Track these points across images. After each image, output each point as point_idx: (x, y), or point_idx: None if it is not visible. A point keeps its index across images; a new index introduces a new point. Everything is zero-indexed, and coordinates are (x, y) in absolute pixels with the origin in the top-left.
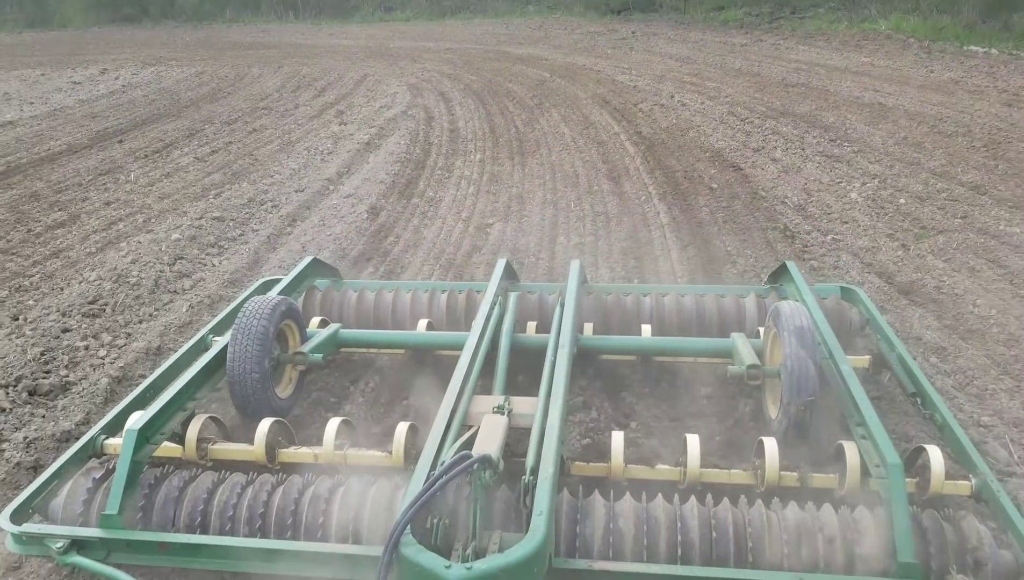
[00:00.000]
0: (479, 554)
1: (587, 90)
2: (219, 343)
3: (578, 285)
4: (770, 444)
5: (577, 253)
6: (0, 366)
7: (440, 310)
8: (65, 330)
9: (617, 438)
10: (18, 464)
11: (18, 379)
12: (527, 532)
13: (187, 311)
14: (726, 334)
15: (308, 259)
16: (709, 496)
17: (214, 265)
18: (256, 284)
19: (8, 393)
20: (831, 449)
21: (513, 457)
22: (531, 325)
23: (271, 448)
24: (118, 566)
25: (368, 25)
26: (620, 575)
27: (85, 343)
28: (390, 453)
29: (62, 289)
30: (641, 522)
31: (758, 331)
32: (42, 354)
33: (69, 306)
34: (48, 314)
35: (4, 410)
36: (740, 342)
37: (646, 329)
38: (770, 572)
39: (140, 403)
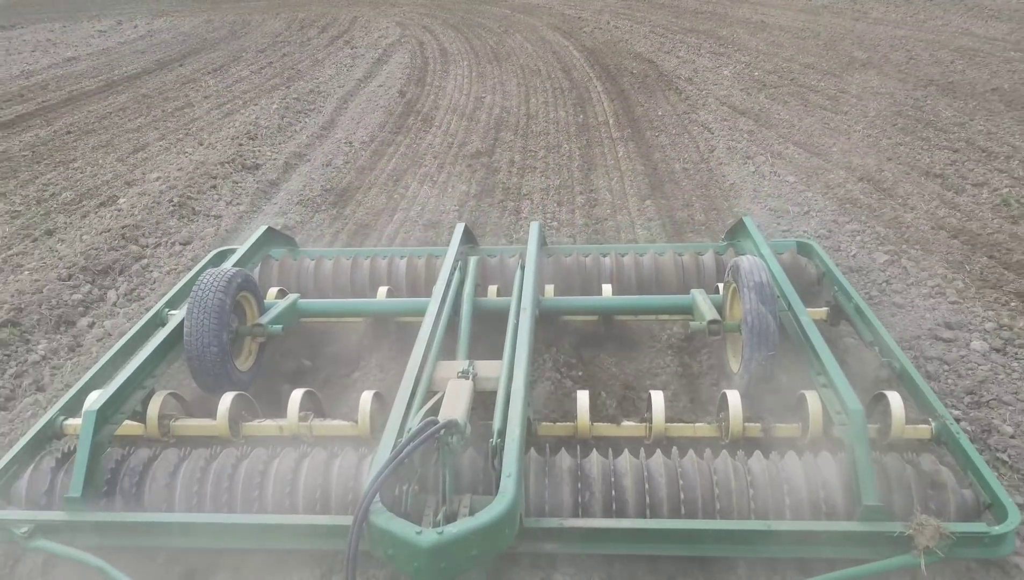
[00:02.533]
0: (450, 518)
1: (542, 21)
2: (175, 317)
3: (538, 247)
4: (733, 397)
5: (542, 109)
6: (215, 161)
7: (399, 276)
8: (240, 145)
9: (582, 397)
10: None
11: (230, 160)
12: (496, 494)
13: (306, 138)
14: (685, 291)
15: (263, 229)
16: (675, 450)
17: (306, 122)
18: (209, 255)
19: (225, 167)
20: (793, 400)
21: (479, 421)
22: (492, 289)
23: (234, 422)
24: (86, 549)
25: None
26: (590, 531)
27: (255, 149)
28: (356, 422)
29: (219, 130)
30: (609, 478)
31: (717, 287)
32: (234, 155)
33: (234, 135)
34: (222, 139)
35: (229, 175)
36: (700, 298)
37: (607, 288)
38: (738, 521)
39: (98, 382)
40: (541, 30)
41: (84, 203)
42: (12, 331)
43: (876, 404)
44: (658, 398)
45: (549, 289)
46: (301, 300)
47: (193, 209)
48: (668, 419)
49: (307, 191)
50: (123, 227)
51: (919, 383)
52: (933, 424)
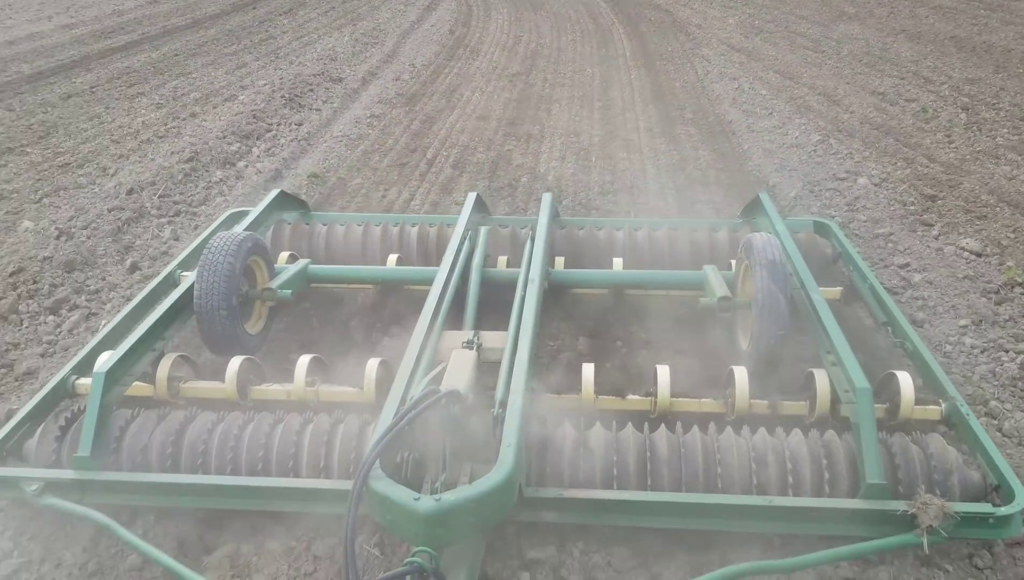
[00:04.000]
0: (449, 487)
1: None
2: (187, 279)
3: (549, 219)
4: (740, 373)
5: (571, 45)
6: (307, 73)
7: (410, 244)
8: (324, 64)
9: (587, 370)
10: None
11: (319, 73)
12: (496, 463)
13: (376, 62)
14: (698, 267)
15: (275, 192)
16: (679, 425)
17: (373, 51)
18: (222, 217)
19: (316, 78)
20: (800, 379)
21: (483, 391)
22: (502, 259)
23: (242, 386)
24: (94, 508)
25: None
26: (590, 502)
27: (337, 68)
28: (361, 389)
29: (303, 55)
30: (611, 450)
31: (730, 264)
32: (321, 70)
33: (318, 58)
34: (308, 60)
35: (320, 84)
36: (712, 274)
37: (618, 262)
38: (740, 496)
39: (109, 342)
40: None
41: (211, 99)
42: (195, 164)
43: (886, 383)
44: (664, 372)
45: (560, 262)
46: (311, 265)
47: (299, 103)
48: (673, 394)
49: (384, 95)
50: (251, 112)
51: (931, 364)
52: (943, 405)
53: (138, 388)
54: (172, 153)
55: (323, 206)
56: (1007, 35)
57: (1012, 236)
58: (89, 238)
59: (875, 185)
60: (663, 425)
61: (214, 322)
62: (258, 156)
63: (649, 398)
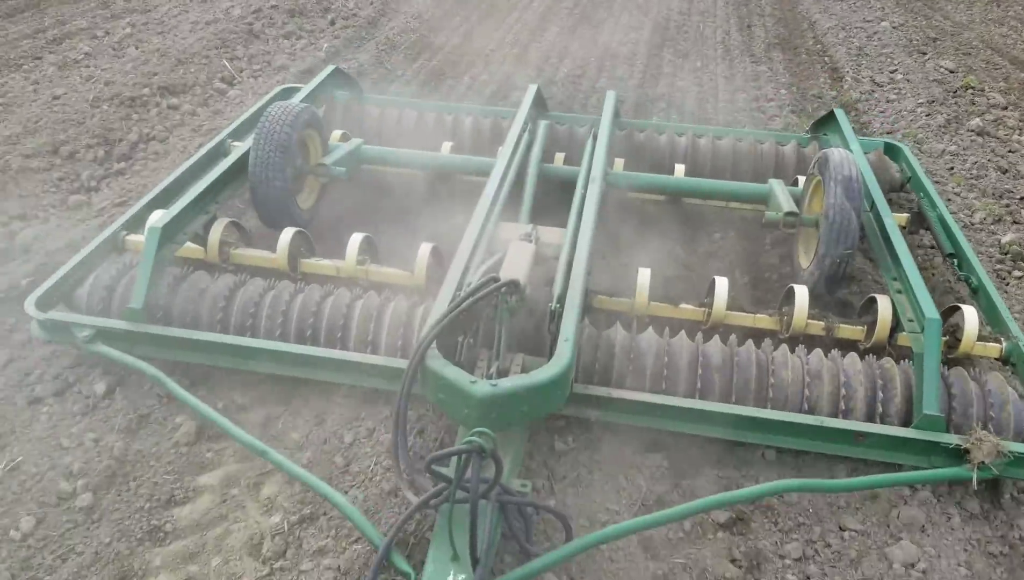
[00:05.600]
0: (502, 374)
1: None
2: (238, 148)
3: (612, 118)
4: (800, 291)
5: None
6: None
7: (464, 134)
8: None
9: (643, 274)
10: None
11: None
12: (551, 357)
13: None
14: (761, 180)
15: (330, 68)
16: (733, 337)
17: None
18: (274, 91)
19: None
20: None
21: (538, 285)
22: (559, 156)
23: (293, 257)
24: (140, 358)
25: None
26: (638, 404)
27: None
28: (412, 273)
29: None
30: (662, 355)
31: (796, 180)
32: None
33: None
34: None
35: None
36: (778, 188)
37: (679, 169)
38: (791, 413)
39: (160, 202)
40: None
41: None
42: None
43: (948, 316)
44: (722, 284)
45: (619, 163)
46: (365, 145)
47: None
48: (729, 307)
49: None
50: None
51: (996, 300)
52: (1005, 344)
53: (189, 250)
54: None
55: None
56: None
57: (983, 65)
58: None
59: (893, 28)
60: (716, 336)
61: (268, 192)
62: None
63: (703, 309)
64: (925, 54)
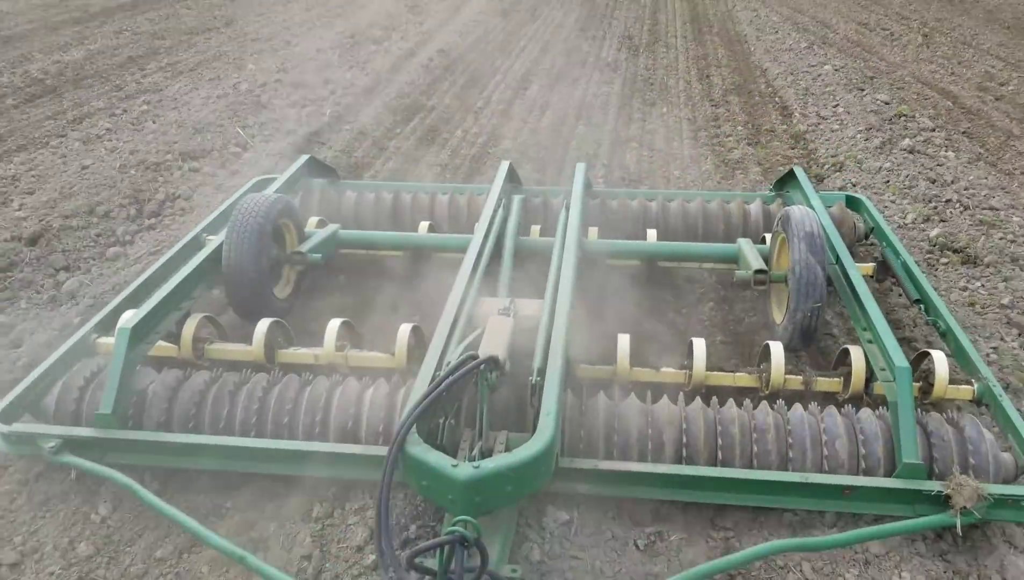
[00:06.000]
0: (485, 454)
1: None
2: (214, 241)
3: (583, 189)
4: (776, 348)
5: None
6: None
7: (441, 212)
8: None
9: (623, 340)
10: None
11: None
12: (534, 432)
13: None
14: (730, 240)
15: (304, 158)
16: (714, 398)
17: None
18: (249, 183)
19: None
20: (834, 356)
21: (519, 359)
22: (535, 228)
23: (270, 348)
24: (114, 467)
25: None
26: (626, 475)
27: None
28: (392, 354)
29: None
30: (646, 423)
31: (763, 238)
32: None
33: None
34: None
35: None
36: (747, 247)
37: (651, 234)
38: (775, 472)
39: (133, 302)
40: None
41: (348, 8)
42: (355, 40)
43: (919, 362)
44: (700, 345)
45: (593, 231)
46: (342, 230)
47: (418, 10)
48: (708, 367)
49: (486, 7)
50: (385, 14)
51: (964, 343)
52: (976, 385)
53: (162, 349)
54: (336, 33)
55: (451, 69)
56: None
57: (915, 97)
58: (301, 74)
59: (835, 70)
60: (698, 398)
61: (243, 283)
62: (396, 40)
63: (684, 371)
64: (863, 90)
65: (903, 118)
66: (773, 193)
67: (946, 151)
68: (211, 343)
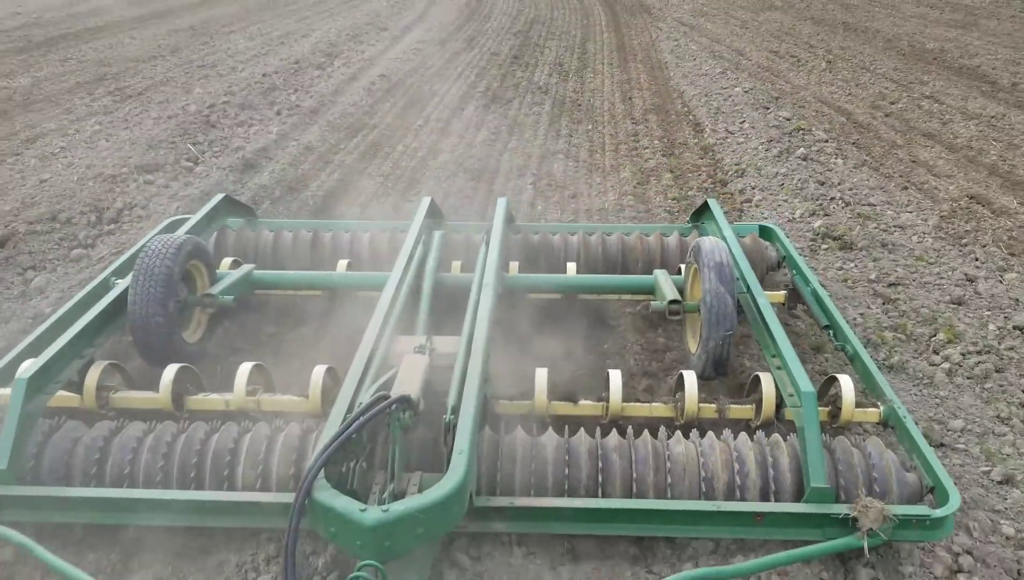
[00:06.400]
0: (398, 496)
1: None
2: (120, 285)
3: (504, 224)
4: (689, 377)
5: (561, 15)
6: (360, 24)
7: (362, 250)
8: (370, 20)
9: (540, 375)
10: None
11: (368, 23)
12: (446, 471)
13: (410, 20)
14: (650, 271)
15: (219, 197)
16: (630, 430)
17: (406, 13)
18: (162, 224)
19: (367, 27)
20: (748, 381)
21: (435, 397)
22: (456, 264)
23: (178, 395)
24: (11, 525)
25: None
26: (542, 511)
27: (382, 22)
28: (307, 397)
29: (349, 14)
30: (562, 457)
31: (680, 268)
32: (370, 23)
33: (363, 15)
34: (357, 17)
35: (371, 31)
36: (662, 278)
37: (571, 267)
38: (689, 502)
39: (34, 351)
40: None
41: (291, 36)
42: (299, 65)
43: (828, 387)
44: (616, 378)
45: (514, 266)
46: (256, 271)
47: (360, 40)
48: (625, 399)
49: (425, 37)
50: (327, 42)
51: (870, 367)
52: (882, 408)
53: (64, 398)
54: (280, 60)
55: (392, 92)
56: (884, 22)
57: (813, 114)
58: (248, 96)
59: (745, 92)
60: (614, 430)
61: (149, 329)
62: (338, 66)
63: (601, 403)
64: (768, 109)
65: (801, 132)
66: (690, 225)
67: (836, 158)
68: (116, 392)
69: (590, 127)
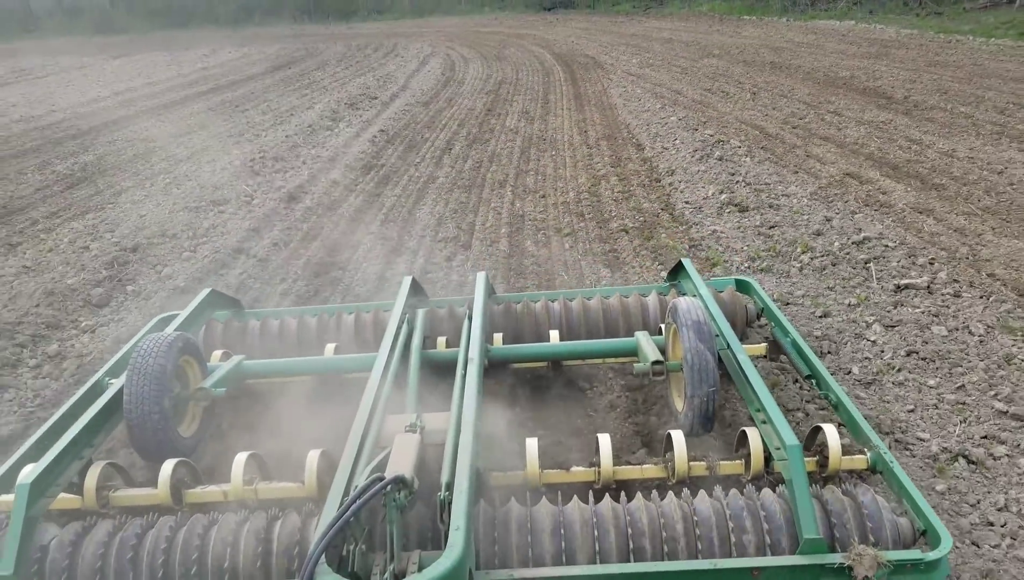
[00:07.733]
0: (399, 576)
1: (529, 42)
2: (116, 385)
3: (485, 297)
4: (678, 437)
5: (525, 76)
6: (354, 95)
7: (348, 332)
8: (363, 91)
9: (531, 445)
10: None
11: (362, 94)
12: (445, 549)
13: (396, 90)
14: (631, 333)
15: (206, 291)
16: (623, 494)
17: (391, 86)
18: (152, 322)
19: (361, 97)
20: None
21: (429, 474)
22: (441, 340)
23: (176, 490)
24: None
25: (368, 23)
26: None
27: (371, 93)
28: (303, 483)
29: (344, 88)
30: (558, 526)
31: (660, 328)
32: (362, 94)
33: (356, 88)
34: (351, 91)
35: (366, 98)
36: (644, 340)
37: (554, 335)
38: (685, 562)
39: (34, 455)
40: (528, 46)
41: (296, 109)
42: (312, 128)
43: (814, 436)
44: (605, 442)
45: (498, 338)
46: (246, 361)
47: (356, 107)
48: (616, 462)
49: (411, 101)
50: (329, 111)
51: (854, 414)
52: (869, 454)
53: (65, 500)
54: (294, 126)
55: (392, 141)
56: (807, 59)
57: (734, 131)
58: (278, 151)
59: (679, 120)
60: (607, 495)
61: (145, 426)
62: (343, 127)
63: (593, 469)
64: (697, 130)
65: (720, 143)
66: (667, 285)
67: (745, 158)
68: (115, 491)
69: (553, 153)
